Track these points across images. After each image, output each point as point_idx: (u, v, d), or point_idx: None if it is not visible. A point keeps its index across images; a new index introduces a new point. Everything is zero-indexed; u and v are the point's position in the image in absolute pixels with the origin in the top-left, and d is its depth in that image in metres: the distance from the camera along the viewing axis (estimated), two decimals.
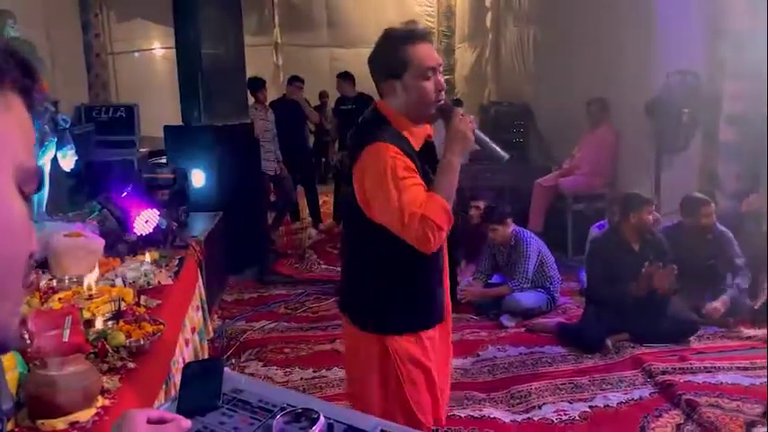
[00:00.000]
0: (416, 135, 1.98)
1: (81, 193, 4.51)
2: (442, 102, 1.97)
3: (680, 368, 3.66)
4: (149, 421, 1.06)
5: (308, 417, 1.06)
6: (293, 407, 1.09)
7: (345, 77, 7.33)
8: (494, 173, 6.67)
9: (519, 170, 6.85)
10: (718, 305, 4.24)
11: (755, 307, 4.35)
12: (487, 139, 2.00)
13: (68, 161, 4.08)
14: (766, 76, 4.36)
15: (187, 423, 1.09)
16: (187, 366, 1.26)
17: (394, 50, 1.93)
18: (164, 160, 5.60)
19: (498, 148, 2.00)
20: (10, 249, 0.54)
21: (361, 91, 6.98)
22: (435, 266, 2.09)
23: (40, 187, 0.60)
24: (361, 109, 2.19)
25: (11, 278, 0.54)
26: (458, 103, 6.36)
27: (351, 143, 2.02)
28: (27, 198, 0.58)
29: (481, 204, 5.27)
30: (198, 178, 5.24)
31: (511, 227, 4.80)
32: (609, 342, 3.97)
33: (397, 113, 1.95)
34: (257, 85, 6.66)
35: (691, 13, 5.19)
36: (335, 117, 7.98)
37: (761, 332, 4.16)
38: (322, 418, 1.05)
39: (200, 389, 1.17)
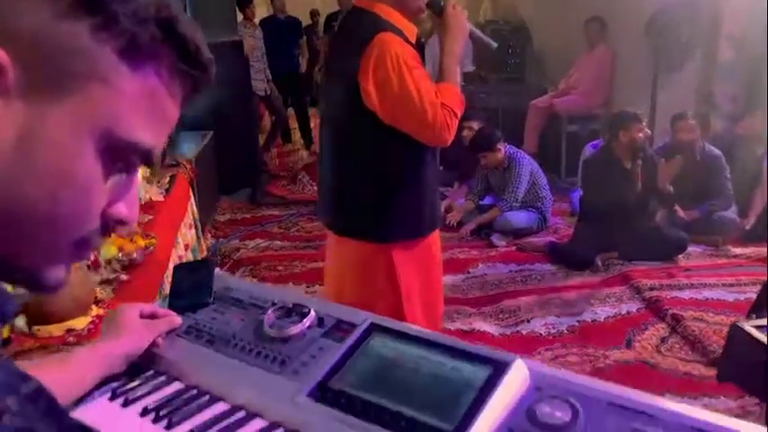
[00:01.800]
0: (409, 31, 1.93)
1: None
2: None
3: (667, 285, 3.73)
4: (142, 316, 1.07)
5: (299, 311, 1.07)
6: (284, 302, 1.10)
7: None
8: (488, 94, 6.59)
9: (514, 91, 6.76)
10: (681, 210, 4.34)
11: (747, 227, 4.39)
12: (476, 30, 2.06)
13: None
14: None
15: (178, 320, 1.10)
16: (177, 267, 1.27)
17: None
18: None
19: (486, 37, 2.11)
20: (58, 204, 0.47)
21: None
22: (435, 169, 2.08)
23: (148, 164, 0.54)
24: None
25: (50, 233, 0.48)
26: None
27: (342, 42, 1.96)
28: (119, 169, 0.51)
29: (474, 125, 5.21)
30: None
31: (502, 151, 4.76)
32: (598, 260, 4.02)
33: (387, 8, 1.90)
34: (246, 0, 6.46)
35: None
36: (326, 34, 7.79)
37: (748, 251, 4.23)
38: (312, 312, 1.06)
39: (191, 288, 1.18)
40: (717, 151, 4.50)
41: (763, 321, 1.37)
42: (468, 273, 4.02)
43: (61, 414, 0.45)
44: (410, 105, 1.81)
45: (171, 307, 1.13)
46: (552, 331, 3.27)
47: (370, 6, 1.91)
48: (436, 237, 2.16)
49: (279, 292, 1.17)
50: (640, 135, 4.11)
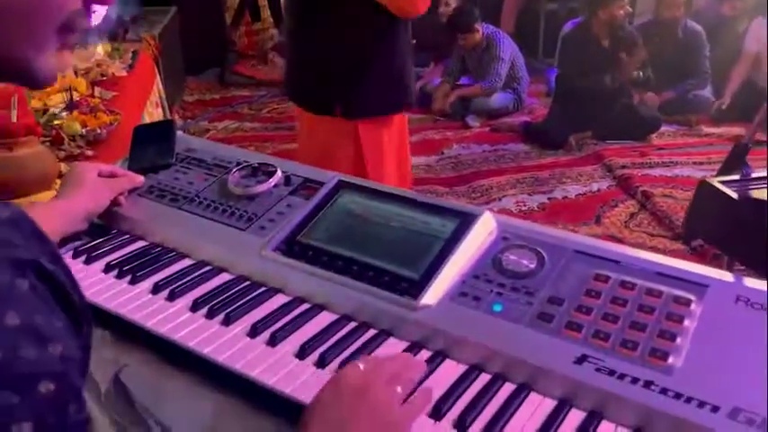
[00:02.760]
0: None
1: None
2: None
3: (639, 163, 3.76)
4: (100, 175, 1.03)
5: (265, 170, 1.05)
6: (250, 162, 1.07)
7: None
8: None
9: None
10: (653, 96, 4.31)
11: (723, 107, 4.39)
12: None
13: None
14: None
15: (140, 179, 1.07)
16: (138, 128, 1.22)
17: None
18: None
19: None
20: None
21: None
22: (407, 46, 2.01)
23: None
24: None
25: (32, 14, 0.48)
26: None
27: None
28: None
29: (452, 1, 5.01)
30: None
31: (480, 32, 4.60)
32: (572, 139, 4.01)
33: None
34: None
35: None
36: None
37: (720, 130, 4.25)
38: (279, 171, 1.03)
39: (152, 149, 1.14)
40: (698, 27, 4.42)
41: (729, 177, 1.38)
42: (442, 153, 4.01)
43: (46, 239, 0.45)
44: None
45: (131, 168, 1.10)
46: (523, 208, 3.31)
47: None
48: (404, 118, 2.12)
49: (244, 153, 1.14)
50: (620, 12, 4.00)
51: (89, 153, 2.21)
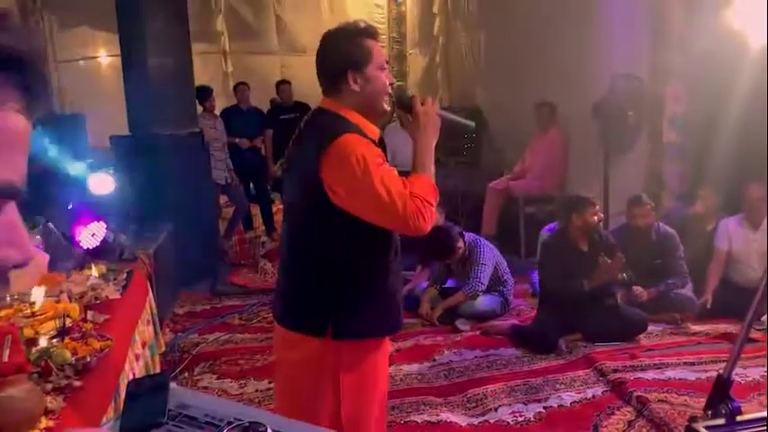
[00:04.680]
0: (372, 132, 1.97)
1: (23, 206, 4.35)
2: (394, 92, 2.00)
3: (630, 366, 3.74)
4: None
5: (256, 430, 1.05)
6: (240, 420, 1.07)
7: (286, 84, 7.44)
8: (446, 177, 6.73)
9: (471, 174, 6.93)
10: (641, 290, 4.40)
11: (707, 306, 4.47)
12: (450, 114, 2.09)
13: None
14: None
15: None
16: (131, 383, 1.23)
17: (357, 42, 1.94)
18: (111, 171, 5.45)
19: (462, 120, 2.14)
20: None
21: (296, 99, 7.19)
22: (398, 267, 2.09)
23: None
24: (302, 119, 2.16)
25: None
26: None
27: (307, 141, 1.99)
28: None
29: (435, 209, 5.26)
30: (143, 190, 5.10)
31: (462, 246, 4.75)
32: (562, 343, 4.03)
33: (351, 110, 1.94)
34: (205, 93, 6.59)
35: (633, 17, 5.33)
36: (272, 127, 7.24)
37: (707, 327, 4.30)
38: (269, 430, 1.03)
39: (145, 405, 1.14)
40: (671, 230, 4.63)
41: (715, 421, 1.38)
42: (434, 360, 3.98)
43: None
44: (379, 201, 1.81)
45: (123, 427, 1.09)
46: (519, 420, 3.22)
47: (336, 108, 1.96)
48: (386, 344, 2.13)
49: (235, 408, 1.14)
50: (593, 218, 4.20)
51: (77, 384, 2.18)
